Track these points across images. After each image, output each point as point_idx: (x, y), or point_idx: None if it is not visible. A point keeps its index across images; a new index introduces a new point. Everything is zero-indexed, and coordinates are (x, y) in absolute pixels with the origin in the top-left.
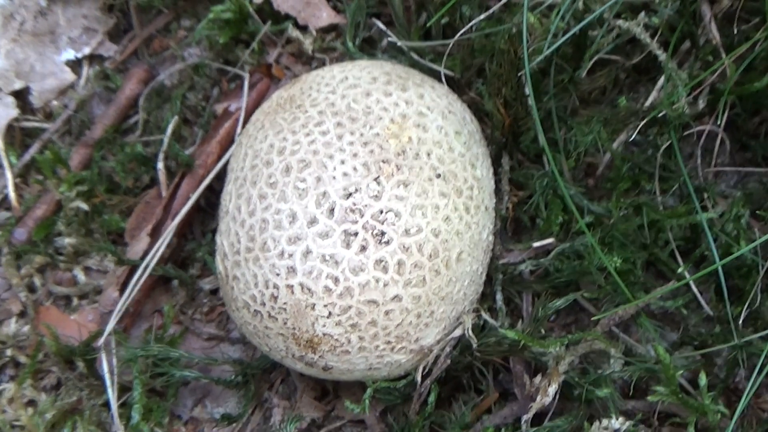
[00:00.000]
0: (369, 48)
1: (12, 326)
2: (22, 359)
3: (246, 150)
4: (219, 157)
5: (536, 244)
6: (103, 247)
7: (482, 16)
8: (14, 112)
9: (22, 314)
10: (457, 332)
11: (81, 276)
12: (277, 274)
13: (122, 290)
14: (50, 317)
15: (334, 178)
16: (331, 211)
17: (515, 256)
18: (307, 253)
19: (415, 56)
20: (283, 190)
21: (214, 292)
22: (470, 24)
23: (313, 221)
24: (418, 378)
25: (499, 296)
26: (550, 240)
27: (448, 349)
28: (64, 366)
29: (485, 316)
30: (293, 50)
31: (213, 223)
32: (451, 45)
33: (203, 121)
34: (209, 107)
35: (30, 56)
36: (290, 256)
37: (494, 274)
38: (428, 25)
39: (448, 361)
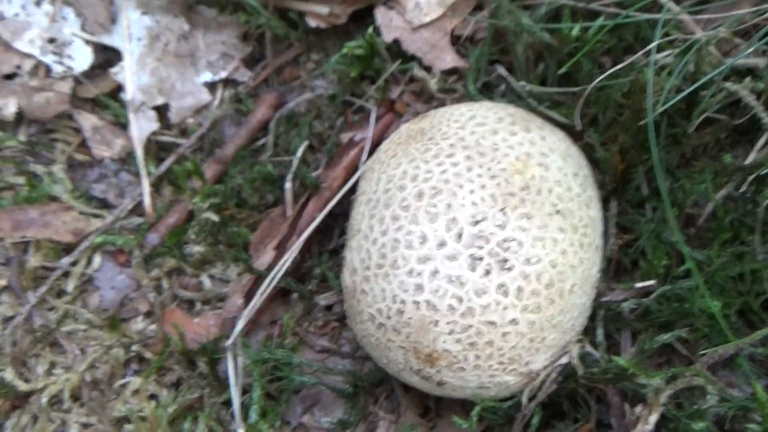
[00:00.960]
0: (487, 92)
1: (139, 324)
2: (147, 355)
3: (379, 175)
4: (344, 182)
5: (638, 285)
6: (235, 256)
7: (606, 74)
8: (155, 126)
9: (148, 314)
10: (564, 359)
11: (207, 282)
12: (405, 291)
13: (247, 298)
14: (175, 318)
15: (463, 205)
16: (459, 235)
17: (617, 294)
18: (435, 272)
19: (533, 102)
20: (415, 214)
21: (329, 307)
22: (595, 81)
23: (442, 244)
24: (524, 400)
25: (600, 331)
26: (652, 282)
27: (554, 374)
28: (186, 365)
29: (589, 347)
30: (416, 89)
31: (330, 244)
32: (586, 94)
33: (327, 148)
34: (334, 135)
35: (171, 75)
36: (419, 274)
37: (597, 310)
38: (559, 72)
39: (554, 386)
